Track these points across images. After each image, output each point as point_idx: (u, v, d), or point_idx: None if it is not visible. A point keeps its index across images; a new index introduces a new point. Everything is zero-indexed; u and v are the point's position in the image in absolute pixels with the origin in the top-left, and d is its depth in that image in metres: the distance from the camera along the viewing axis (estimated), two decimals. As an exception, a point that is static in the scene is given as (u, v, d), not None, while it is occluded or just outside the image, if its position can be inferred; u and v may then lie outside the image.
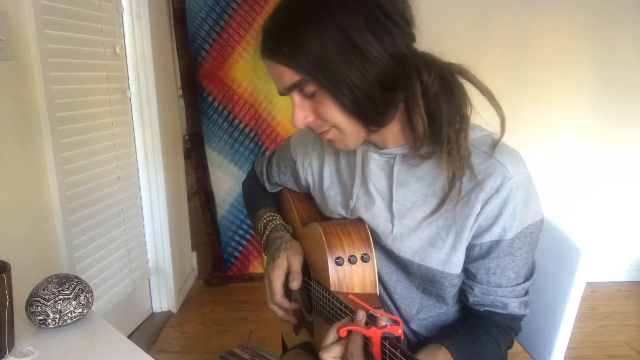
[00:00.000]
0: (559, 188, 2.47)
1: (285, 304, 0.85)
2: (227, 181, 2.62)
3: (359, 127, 0.71)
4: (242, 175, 2.66)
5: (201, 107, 2.52)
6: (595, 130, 2.45)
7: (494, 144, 0.71)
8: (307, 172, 0.94)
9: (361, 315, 0.61)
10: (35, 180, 1.41)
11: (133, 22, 1.99)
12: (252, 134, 2.55)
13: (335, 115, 0.69)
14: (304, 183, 0.97)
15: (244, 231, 2.67)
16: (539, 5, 2.32)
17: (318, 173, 0.92)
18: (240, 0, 2.38)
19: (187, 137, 2.68)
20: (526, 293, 0.76)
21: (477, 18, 2.34)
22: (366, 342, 0.59)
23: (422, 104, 0.69)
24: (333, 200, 0.88)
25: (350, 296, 0.66)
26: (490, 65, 2.33)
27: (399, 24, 0.66)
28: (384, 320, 0.59)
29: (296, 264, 0.84)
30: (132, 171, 2.06)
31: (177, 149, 2.53)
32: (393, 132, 0.76)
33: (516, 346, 0.84)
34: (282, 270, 0.84)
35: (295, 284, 0.82)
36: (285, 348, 1.13)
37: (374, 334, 0.57)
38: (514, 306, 0.75)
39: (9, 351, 0.80)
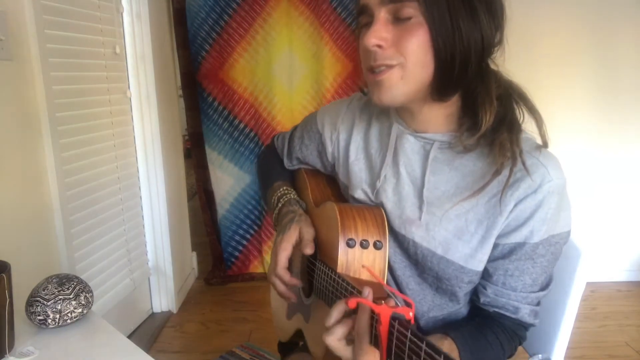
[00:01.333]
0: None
1: (286, 276, 0.82)
2: (227, 181, 2.62)
3: (425, 82, 0.68)
4: (243, 175, 2.67)
5: (201, 107, 2.52)
6: (595, 130, 2.45)
7: (538, 146, 0.71)
8: (335, 145, 0.91)
9: (367, 291, 0.59)
10: (35, 180, 1.41)
11: (133, 22, 1.99)
12: (252, 134, 2.55)
13: (418, 51, 0.65)
14: (329, 158, 0.93)
15: (244, 231, 2.67)
16: (539, 5, 2.32)
17: (344, 148, 0.89)
18: (240, 0, 2.38)
19: (187, 137, 2.68)
20: (538, 303, 0.75)
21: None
22: (372, 323, 0.56)
23: (494, 94, 0.69)
24: (357, 176, 0.85)
25: (365, 266, 0.62)
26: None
27: (504, 17, 0.69)
28: (395, 299, 0.56)
29: (308, 234, 0.82)
30: (132, 171, 2.06)
31: (177, 149, 2.53)
32: (440, 115, 0.74)
33: (516, 346, 0.84)
34: (290, 244, 0.82)
35: (308, 250, 0.79)
36: (280, 346, 1.12)
37: (384, 311, 0.53)
38: (524, 312, 0.74)
39: (9, 351, 0.80)
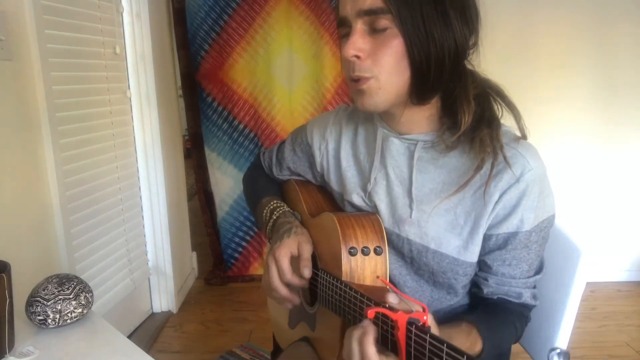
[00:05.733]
0: (559, 188, 2.46)
1: (296, 280, 0.80)
2: (226, 182, 2.61)
3: (403, 88, 0.71)
4: (242, 177, 2.65)
5: (201, 107, 2.52)
6: (595, 130, 2.45)
7: (516, 138, 0.74)
8: (323, 156, 0.94)
9: (392, 298, 0.59)
10: (35, 180, 1.41)
11: (133, 22, 1.99)
12: (251, 135, 2.55)
13: (393, 62, 0.69)
14: (319, 168, 0.95)
15: (244, 232, 2.66)
16: (539, 6, 2.33)
17: (334, 157, 0.92)
18: (239, 0, 2.38)
19: (187, 137, 2.68)
20: (535, 286, 0.79)
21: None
22: (386, 329, 0.58)
23: (471, 94, 0.72)
24: (351, 182, 0.87)
25: (379, 277, 0.64)
26: (491, 66, 2.33)
27: (478, 21, 0.72)
28: (409, 304, 0.58)
29: (307, 252, 0.82)
30: (132, 171, 2.06)
31: (177, 149, 2.53)
32: (421, 117, 0.77)
33: (516, 346, 0.84)
34: (289, 250, 0.81)
35: (307, 272, 0.79)
36: (276, 347, 1.11)
37: (401, 317, 0.56)
38: (527, 296, 0.77)
39: (9, 351, 0.80)
